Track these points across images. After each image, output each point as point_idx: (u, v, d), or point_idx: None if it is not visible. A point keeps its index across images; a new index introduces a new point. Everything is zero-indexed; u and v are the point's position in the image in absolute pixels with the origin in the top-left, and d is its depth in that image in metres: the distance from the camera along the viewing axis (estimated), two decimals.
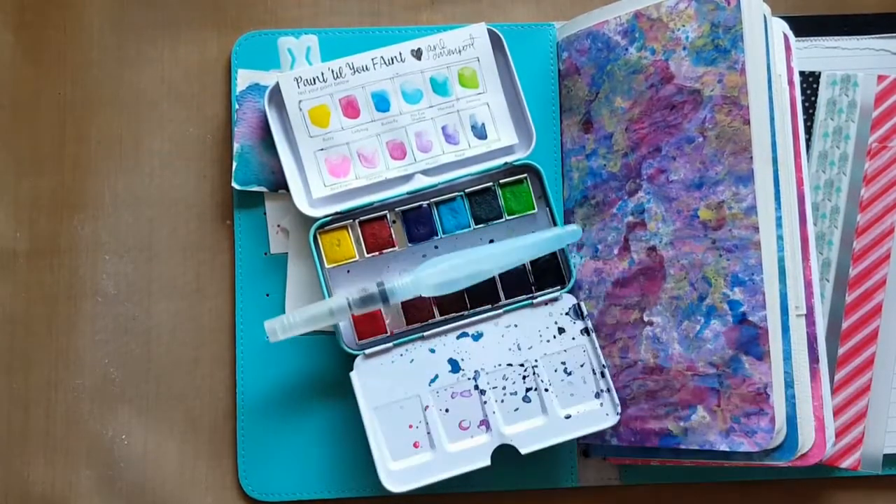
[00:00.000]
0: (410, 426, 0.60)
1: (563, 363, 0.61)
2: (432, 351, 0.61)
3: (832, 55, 0.66)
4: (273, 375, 0.64)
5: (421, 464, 0.60)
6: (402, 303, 0.62)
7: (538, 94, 0.66)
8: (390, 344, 0.61)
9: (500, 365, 0.61)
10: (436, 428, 0.60)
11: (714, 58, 0.59)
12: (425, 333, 0.61)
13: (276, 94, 0.63)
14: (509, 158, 0.63)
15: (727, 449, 0.58)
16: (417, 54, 0.63)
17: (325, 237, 0.62)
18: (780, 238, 0.58)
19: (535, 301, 0.62)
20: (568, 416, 0.60)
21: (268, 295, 0.64)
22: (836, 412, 0.63)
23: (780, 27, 0.62)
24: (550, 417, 0.60)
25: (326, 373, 0.64)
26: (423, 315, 0.62)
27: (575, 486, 0.64)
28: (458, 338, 0.61)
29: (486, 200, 0.63)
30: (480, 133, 0.63)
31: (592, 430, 0.60)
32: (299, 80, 0.62)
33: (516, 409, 0.61)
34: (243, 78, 0.65)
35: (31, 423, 0.64)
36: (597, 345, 0.61)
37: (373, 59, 0.63)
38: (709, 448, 0.59)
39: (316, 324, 0.59)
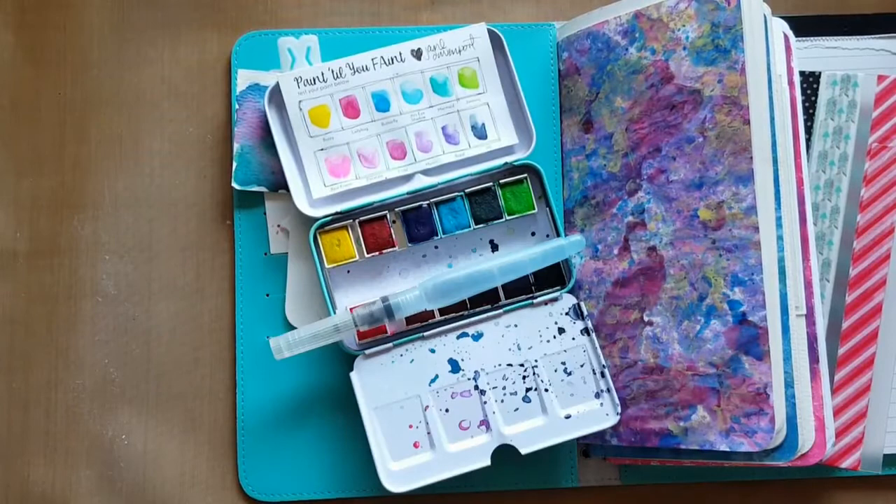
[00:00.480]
0: (410, 426, 0.60)
1: (563, 363, 0.61)
2: (432, 351, 0.61)
3: (832, 55, 0.66)
4: (273, 375, 0.64)
5: (421, 464, 0.60)
6: None
7: (538, 94, 0.66)
8: (390, 344, 0.61)
9: (500, 365, 0.61)
10: (436, 428, 0.60)
11: (714, 58, 0.59)
12: (425, 333, 0.61)
13: (277, 94, 0.63)
14: (509, 158, 0.63)
15: (727, 449, 0.58)
16: (417, 54, 0.63)
17: (325, 237, 0.62)
18: (780, 238, 0.58)
19: (535, 301, 0.62)
20: (568, 416, 0.60)
21: (268, 295, 0.64)
22: (836, 412, 0.63)
23: (780, 27, 0.62)
24: (550, 417, 0.60)
25: (326, 373, 0.64)
26: (423, 315, 0.62)
27: (575, 486, 0.64)
28: (458, 338, 0.61)
29: (486, 200, 0.63)
30: (480, 133, 0.63)
31: (592, 430, 0.60)
32: (299, 80, 0.62)
33: (516, 409, 0.61)
34: (243, 78, 0.65)
35: (31, 423, 0.64)
36: (597, 345, 0.61)
37: (373, 59, 0.63)
38: (709, 448, 0.59)
39: (321, 341, 0.59)
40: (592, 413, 0.61)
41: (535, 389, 0.61)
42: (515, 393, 0.61)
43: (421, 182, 0.62)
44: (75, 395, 0.65)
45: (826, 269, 0.64)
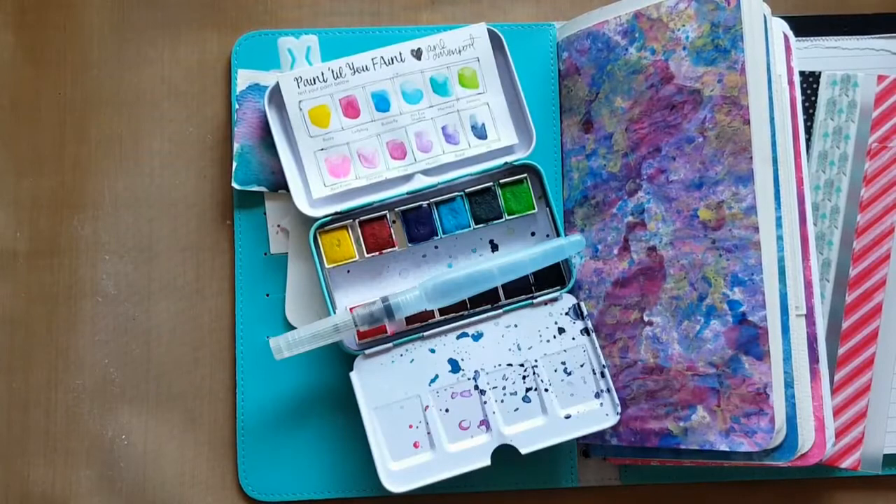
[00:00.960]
0: (410, 426, 0.60)
1: (563, 363, 0.61)
2: (432, 351, 0.61)
3: (832, 55, 0.66)
4: (273, 375, 0.64)
5: (421, 464, 0.60)
6: None
7: (538, 94, 0.66)
8: (390, 344, 0.61)
9: (500, 365, 0.61)
10: (436, 428, 0.60)
11: (714, 58, 0.59)
12: (425, 333, 0.61)
13: (276, 94, 0.63)
14: (509, 158, 0.63)
15: (727, 449, 0.58)
16: (417, 54, 0.63)
17: (325, 237, 0.62)
18: (780, 238, 0.58)
19: (535, 301, 0.62)
20: (568, 416, 0.60)
21: (268, 295, 0.64)
22: (836, 412, 0.63)
23: (780, 27, 0.62)
24: (550, 417, 0.60)
25: (326, 373, 0.64)
26: (423, 315, 0.62)
27: (575, 486, 0.64)
28: (458, 338, 0.61)
29: (486, 200, 0.63)
30: (480, 133, 0.63)
31: (592, 430, 0.60)
32: (299, 80, 0.62)
33: (516, 409, 0.61)
34: (243, 78, 0.65)
35: (31, 423, 0.64)
36: (597, 345, 0.61)
37: (373, 59, 0.63)
38: (709, 448, 0.59)
39: (321, 341, 0.59)
40: (592, 413, 0.61)
41: (535, 389, 0.61)
42: (515, 393, 0.61)
43: (421, 182, 0.62)
44: (75, 395, 0.65)
45: (826, 269, 0.64)
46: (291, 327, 0.64)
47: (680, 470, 0.64)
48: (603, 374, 0.61)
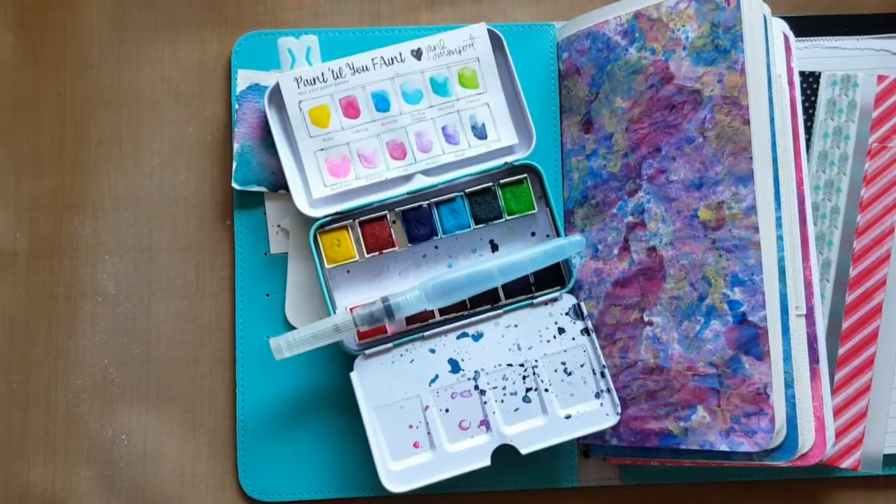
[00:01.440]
0: (410, 426, 0.60)
1: (563, 363, 0.61)
2: (432, 351, 0.61)
3: (832, 55, 0.66)
4: (273, 375, 0.64)
5: (421, 464, 0.60)
6: None
7: (538, 94, 0.66)
8: (390, 344, 0.61)
9: (500, 365, 0.61)
10: (436, 428, 0.60)
11: (714, 58, 0.59)
12: (425, 333, 0.61)
13: (277, 95, 0.63)
14: (509, 158, 0.63)
15: (727, 449, 0.58)
16: (417, 54, 0.63)
17: (325, 237, 0.62)
18: (780, 238, 0.58)
19: (535, 301, 0.62)
20: (568, 417, 0.60)
21: (268, 295, 0.64)
22: (836, 412, 0.63)
23: (780, 27, 0.62)
24: (550, 417, 0.60)
25: (326, 373, 0.64)
26: (423, 315, 0.62)
27: (575, 486, 0.64)
28: (458, 338, 0.61)
29: (486, 200, 0.63)
30: (480, 133, 0.63)
31: (592, 430, 0.60)
32: (299, 80, 0.62)
33: (516, 410, 0.61)
34: (243, 78, 0.65)
35: (31, 423, 0.64)
36: (597, 345, 0.61)
37: (373, 60, 0.63)
38: (709, 448, 0.59)
39: (321, 341, 0.59)
40: (592, 413, 0.61)
41: (535, 389, 0.61)
42: (515, 393, 0.61)
43: (421, 182, 0.62)
44: (75, 395, 0.65)
45: (826, 269, 0.64)
46: (291, 327, 0.64)
47: (680, 470, 0.64)
48: (603, 374, 0.61)
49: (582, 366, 0.61)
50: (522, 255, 0.61)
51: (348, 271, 0.63)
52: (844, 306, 0.63)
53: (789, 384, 0.58)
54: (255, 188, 0.64)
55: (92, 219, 0.65)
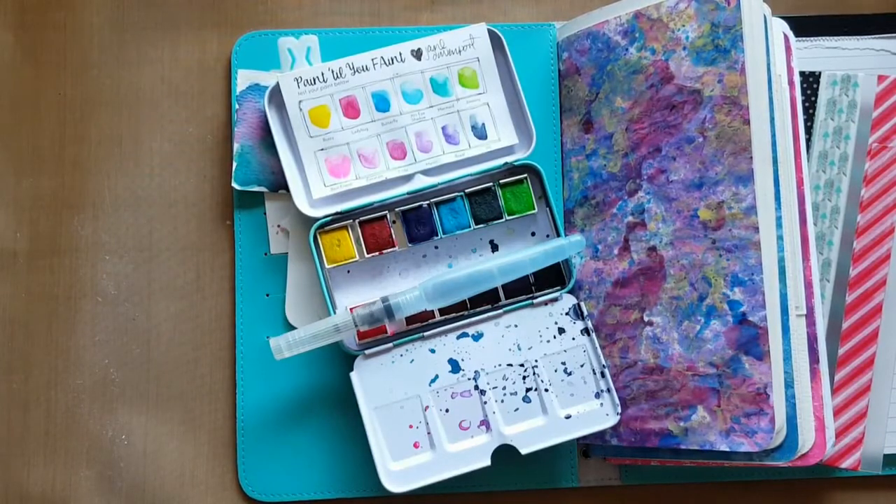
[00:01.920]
0: (410, 426, 0.60)
1: (563, 363, 0.61)
2: (432, 351, 0.61)
3: (832, 55, 0.66)
4: (273, 375, 0.64)
5: (421, 464, 0.60)
6: None
7: (538, 94, 0.66)
8: (390, 344, 0.61)
9: (500, 365, 0.61)
10: (436, 428, 0.60)
11: (714, 58, 0.59)
12: (425, 334, 0.61)
13: (277, 95, 0.63)
14: (509, 158, 0.63)
15: (727, 449, 0.58)
16: (417, 54, 0.63)
17: (326, 237, 0.62)
18: (780, 238, 0.58)
19: (535, 301, 0.62)
20: (568, 417, 0.60)
21: (268, 295, 0.64)
22: (837, 412, 0.63)
23: (780, 27, 0.62)
24: (550, 417, 0.60)
25: (326, 373, 0.64)
26: (423, 315, 0.62)
27: (575, 486, 0.64)
28: (458, 338, 0.61)
29: (486, 200, 0.63)
30: (480, 133, 0.63)
31: (592, 430, 0.60)
32: (299, 80, 0.62)
33: (516, 410, 0.61)
34: (243, 78, 0.65)
35: (31, 423, 0.64)
36: (597, 345, 0.61)
37: (373, 60, 0.63)
38: (709, 448, 0.59)
39: (321, 341, 0.59)
40: (592, 413, 0.61)
41: (536, 389, 0.61)
42: (515, 393, 0.61)
43: (421, 182, 0.62)
44: (75, 395, 0.65)
45: (826, 269, 0.64)
46: (291, 327, 0.64)
47: (680, 470, 0.64)
48: (603, 375, 0.61)
49: (582, 366, 0.61)
50: (522, 255, 0.61)
51: (348, 271, 0.63)
52: (844, 306, 0.63)
53: (789, 384, 0.58)
54: (255, 188, 0.64)
55: (92, 219, 0.65)
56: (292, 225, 0.64)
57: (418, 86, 0.63)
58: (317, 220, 0.62)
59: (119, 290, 0.65)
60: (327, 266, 0.62)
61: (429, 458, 0.60)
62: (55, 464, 0.64)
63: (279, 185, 0.64)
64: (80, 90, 0.66)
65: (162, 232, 0.65)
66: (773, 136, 0.59)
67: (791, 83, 0.61)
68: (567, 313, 0.62)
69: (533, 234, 0.64)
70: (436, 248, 0.64)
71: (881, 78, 0.64)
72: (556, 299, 0.62)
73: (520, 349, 0.61)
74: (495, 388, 0.61)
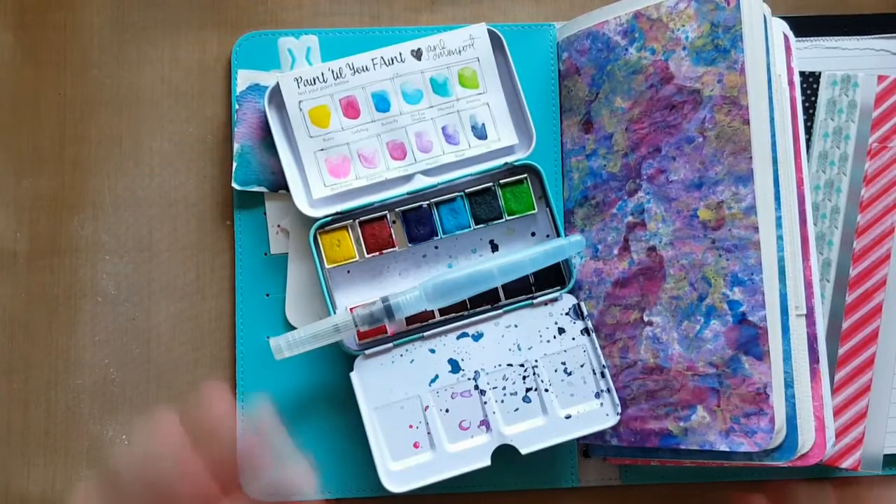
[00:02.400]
0: (410, 426, 0.60)
1: (563, 363, 0.61)
2: (432, 351, 0.61)
3: (832, 55, 0.66)
4: (273, 376, 0.64)
5: (421, 464, 0.60)
6: None
7: (538, 94, 0.66)
8: (390, 344, 0.61)
9: (500, 365, 0.61)
10: (436, 428, 0.60)
11: (714, 58, 0.59)
12: (425, 334, 0.61)
13: (277, 95, 0.63)
14: (509, 158, 0.63)
15: (727, 449, 0.58)
16: (417, 55, 0.63)
17: (326, 237, 0.62)
18: (780, 238, 0.58)
19: (535, 301, 0.62)
20: (568, 417, 0.60)
21: (268, 295, 0.64)
22: (837, 412, 0.63)
23: (780, 27, 0.62)
24: (550, 417, 0.60)
25: (326, 373, 0.64)
26: (423, 315, 0.62)
27: (575, 486, 0.64)
28: (458, 338, 0.61)
29: (486, 200, 0.63)
30: (480, 133, 0.63)
31: (592, 430, 0.60)
32: (299, 80, 0.62)
33: (516, 410, 0.61)
34: (243, 78, 0.65)
35: (31, 423, 0.64)
36: (597, 345, 0.61)
37: (373, 60, 0.63)
38: (709, 448, 0.59)
39: (321, 341, 0.59)
40: (592, 413, 0.61)
41: (536, 389, 0.61)
42: (515, 393, 0.61)
43: (421, 182, 0.62)
44: (75, 395, 0.65)
45: (826, 269, 0.64)
46: (291, 327, 0.64)
47: (680, 470, 0.64)
48: (603, 375, 0.61)
49: (582, 366, 0.61)
50: (522, 255, 0.61)
51: (348, 271, 0.63)
52: (844, 306, 0.63)
53: (789, 384, 0.58)
54: (255, 188, 0.64)
55: (92, 219, 0.65)
56: (292, 225, 0.64)
57: (418, 86, 0.63)
58: (317, 220, 0.62)
59: (119, 290, 0.65)
60: (327, 266, 0.62)
61: (429, 458, 0.60)
62: (55, 464, 0.64)
63: (279, 185, 0.64)
64: (80, 90, 0.66)
65: (162, 232, 0.65)
66: (773, 136, 0.59)
67: (791, 83, 0.61)
68: (567, 313, 0.62)
69: (533, 234, 0.64)
70: (436, 248, 0.64)
71: (881, 78, 0.64)
72: (556, 299, 0.62)
73: (520, 349, 0.61)
74: (495, 388, 0.61)
